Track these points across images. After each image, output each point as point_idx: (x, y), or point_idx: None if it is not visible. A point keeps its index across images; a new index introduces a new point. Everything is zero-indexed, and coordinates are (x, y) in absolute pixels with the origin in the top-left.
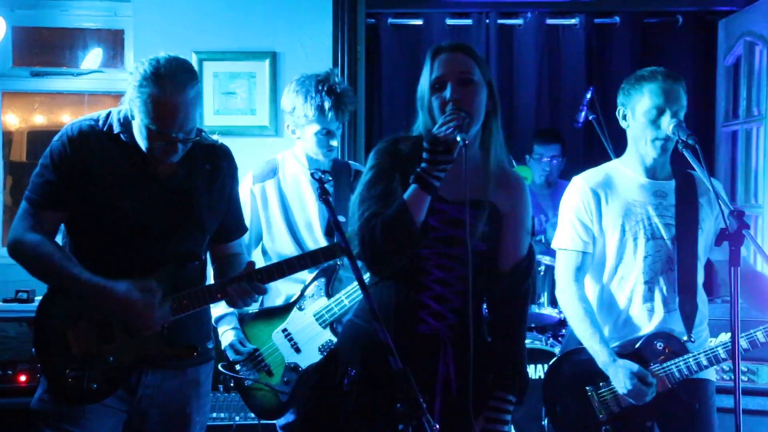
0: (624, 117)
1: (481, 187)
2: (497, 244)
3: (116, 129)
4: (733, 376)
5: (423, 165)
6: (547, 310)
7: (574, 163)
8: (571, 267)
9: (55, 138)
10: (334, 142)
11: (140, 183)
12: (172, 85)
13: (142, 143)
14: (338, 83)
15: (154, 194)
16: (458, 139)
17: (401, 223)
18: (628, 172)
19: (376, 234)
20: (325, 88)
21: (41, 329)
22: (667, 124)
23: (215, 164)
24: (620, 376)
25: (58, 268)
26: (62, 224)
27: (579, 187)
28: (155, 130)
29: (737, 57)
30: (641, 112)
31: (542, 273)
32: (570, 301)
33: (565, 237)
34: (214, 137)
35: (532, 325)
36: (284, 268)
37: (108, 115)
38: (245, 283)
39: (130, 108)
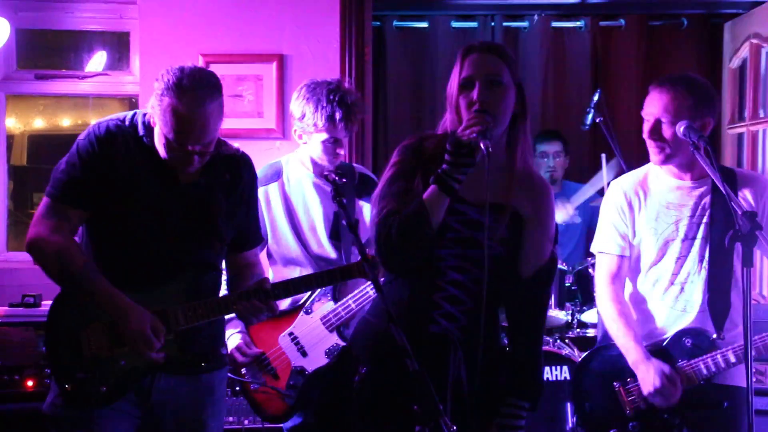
0: None
1: (504, 190)
2: (517, 249)
3: (140, 132)
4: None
5: (444, 167)
6: (554, 312)
7: (580, 165)
8: (607, 270)
9: (81, 136)
10: (341, 150)
11: (161, 188)
12: (192, 97)
13: (161, 151)
14: (349, 93)
15: (173, 201)
16: (481, 146)
17: (417, 223)
18: (663, 174)
19: (392, 232)
20: (337, 98)
21: (53, 329)
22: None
23: (235, 174)
24: (651, 374)
25: (77, 276)
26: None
27: (614, 191)
28: (172, 141)
29: (743, 59)
30: None
31: None
32: (605, 303)
33: (603, 240)
34: (236, 146)
35: None
36: (300, 284)
37: (134, 116)
38: (259, 301)
39: (153, 114)
